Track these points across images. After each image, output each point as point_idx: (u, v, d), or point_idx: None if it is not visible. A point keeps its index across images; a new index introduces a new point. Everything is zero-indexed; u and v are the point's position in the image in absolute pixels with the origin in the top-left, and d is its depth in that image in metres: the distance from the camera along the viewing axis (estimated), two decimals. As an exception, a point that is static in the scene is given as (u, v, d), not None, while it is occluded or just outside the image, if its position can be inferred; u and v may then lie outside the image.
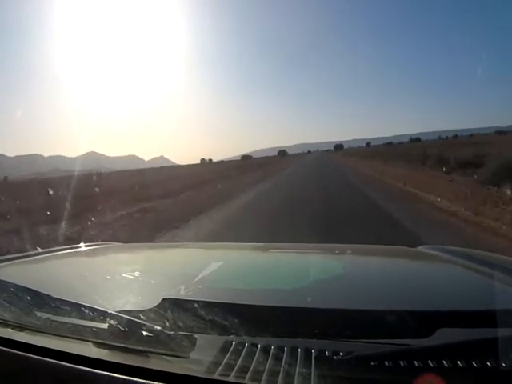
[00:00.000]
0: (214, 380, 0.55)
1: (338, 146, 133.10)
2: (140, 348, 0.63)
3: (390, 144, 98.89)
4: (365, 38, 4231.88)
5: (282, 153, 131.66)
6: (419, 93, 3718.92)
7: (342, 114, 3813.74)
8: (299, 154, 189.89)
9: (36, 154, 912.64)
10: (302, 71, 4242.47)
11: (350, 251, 1.57)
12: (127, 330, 0.64)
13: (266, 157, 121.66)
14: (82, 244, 1.67)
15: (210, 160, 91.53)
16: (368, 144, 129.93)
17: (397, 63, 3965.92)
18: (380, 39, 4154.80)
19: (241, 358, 0.59)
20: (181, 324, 0.65)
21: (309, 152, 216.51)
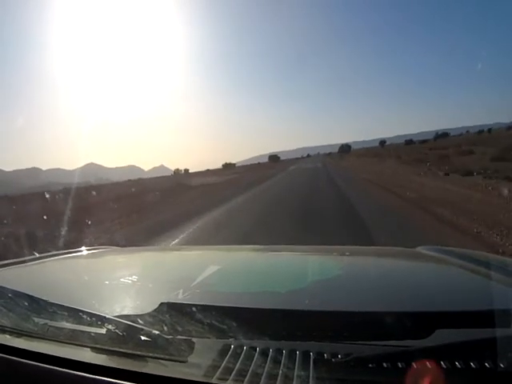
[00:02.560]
0: None
1: (345, 148, 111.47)
2: (138, 353, 0.62)
3: (410, 142, 79.30)
4: (372, 33, 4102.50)
5: (274, 158, 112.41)
6: (423, 90, 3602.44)
7: (345, 114, 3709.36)
8: (297, 158, 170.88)
9: (35, 168, 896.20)
10: (301, 71, 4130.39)
11: (347, 253, 1.55)
12: (125, 334, 0.64)
13: (258, 163, 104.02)
14: (79, 248, 1.68)
15: (186, 170, 74.45)
16: (382, 143, 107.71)
17: (410, 57, 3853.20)
18: (387, 34, 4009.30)
19: (239, 361, 0.58)
20: (179, 328, 0.64)
21: (308, 156, 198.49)
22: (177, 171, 74.40)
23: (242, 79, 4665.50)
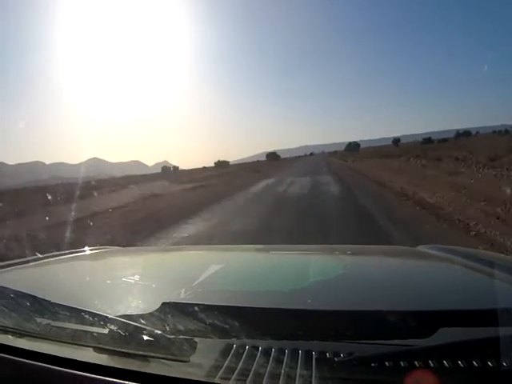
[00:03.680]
0: None
1: (353, 146, 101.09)
2: (140, 352, 0.63)
3: (429, 141, 70.74)
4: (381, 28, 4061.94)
5: (273, 156, 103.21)
6: (424, 91, 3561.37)
7: (350, 112, 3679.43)
8: (298, 156, 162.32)
9: (37, 162, 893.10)
10: (302, 69, 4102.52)
11: (349, 252, 1.56)
12: (128, 334, 0.64)
13: (258, 161, 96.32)
14: (81, 248, 1.69)
15: (176, 167, 68.05)
16: (396, 141, 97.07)
17: (412, 58, 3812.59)
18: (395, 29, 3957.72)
19: (242, 360, 0.58)
20: (181, 328, 0.64)
21: (311, 154, 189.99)
22: (165, 168, 68.49)
23: (245, 78, 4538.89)
